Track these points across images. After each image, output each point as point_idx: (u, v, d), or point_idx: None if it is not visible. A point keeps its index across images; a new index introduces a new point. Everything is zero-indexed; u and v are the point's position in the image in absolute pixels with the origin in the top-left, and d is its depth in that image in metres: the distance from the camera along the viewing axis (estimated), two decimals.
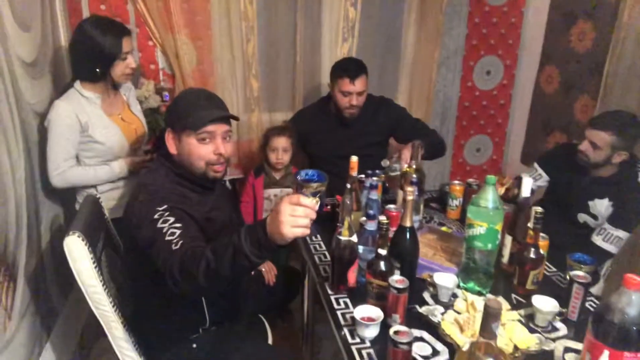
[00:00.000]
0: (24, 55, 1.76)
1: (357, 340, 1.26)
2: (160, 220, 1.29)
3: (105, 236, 1.62)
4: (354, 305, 1.35)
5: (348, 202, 1.59)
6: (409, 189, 1.43)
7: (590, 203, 2.08)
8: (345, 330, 1.30)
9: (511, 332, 1.26)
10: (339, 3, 2.85)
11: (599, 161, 2.00)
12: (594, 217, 2.09)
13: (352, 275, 1.45)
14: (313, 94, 2.93)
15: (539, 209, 1.45)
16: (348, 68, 2.36)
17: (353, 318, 1.29)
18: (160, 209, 1.31)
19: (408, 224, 1.43)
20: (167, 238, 1.25)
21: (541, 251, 1.48)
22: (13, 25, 1.67)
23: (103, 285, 1.37)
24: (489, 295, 1.46)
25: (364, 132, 2.48)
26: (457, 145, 3.52)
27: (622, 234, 1.96)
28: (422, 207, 1.89)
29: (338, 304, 1.42)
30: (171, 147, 1.48)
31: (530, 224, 1.47)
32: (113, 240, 1.71)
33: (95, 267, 1.35)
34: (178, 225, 1.28)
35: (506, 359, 0.91)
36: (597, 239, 2.00)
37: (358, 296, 1.41)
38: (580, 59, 2.84)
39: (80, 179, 1.88)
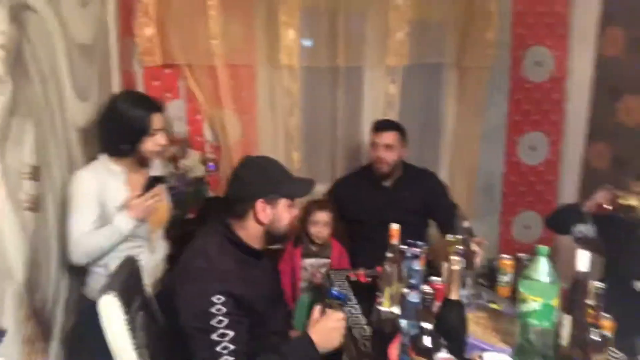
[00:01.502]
0: (80, 124, 1.86)
1: None
2: (215, 319, 1.31)
3: (142, 299, 1.60)
4: None
5: (389, 271, 1.52)
6: (455, 258, 1.35)
7: None
8: None
9: None
10: (379, 80, 2.92)
11: None
12: None
13: (393, 352, 1.34)
14: (353, 166, 2.94)
15: (599, 283, 1.34)
16: (379, 123, 2.51)
17: None
18: (217, 301, 1.32)
19: (454, 296, 1.34)
20: (217, 349, 1.29)
21: (605, 333, 1.34)
22: (71, 93, 1.78)
23: (136, 349, 1.32)
24: None
25: (402, 198, 2.46)
26: (504, 222, 3.38)
27: None
28: (470, 282, 1.77)
29: None
30: (265, 216, 1.48)
31: (589, 301, 1.35)
32: (149, 304, 1.67)
33: (129, 330, 1.31)
34: (231, 334, 1.31)
35: None
36: None
37: None
38: (632, 133, 2.76)
39: (90, 246, 1.64)
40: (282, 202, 1.50)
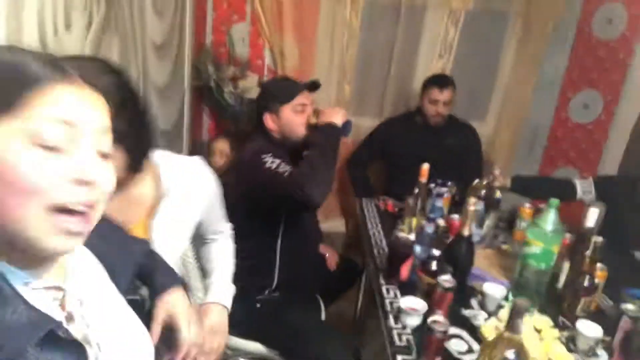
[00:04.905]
0: (155, 39, 2.07)
1: (400, 326, 1.39)
2: (267, 163, 1.56)
3: None
4: (403, 296, 1.47)
5: (412, 204, 1.71)
6: (472, 199, 1.53)
7: None
8: (391, 316, 1.43)
9: (548, 348, 1.31)
10: (440, 21, 2.96)
11: None
12: None
13: (405, 270, 1.57)
14: (401, 104, 3.07)
15: (600, 238, 1.48)
16: (438, 80, 2.63)
17: (399, 307, 1.41)
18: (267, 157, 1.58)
19: (466, 232, 1.52)
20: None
21: (596, 280, 1.50)
22: (151, 9, 1.97)
23: None
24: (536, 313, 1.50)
25: (443, 144, 2.62)
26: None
27: None
28: (488, 222, 1.94)
29: (388, 292, 1.55)
30: (273, 125, 1.71)
31: (588, 252, 1.50)
32: None
33: None
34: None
35: (526, 356, 1.00)
36: None
37: (407, 289, 1.53)
38: None
39: None
40: (285, 109, 1.68)
